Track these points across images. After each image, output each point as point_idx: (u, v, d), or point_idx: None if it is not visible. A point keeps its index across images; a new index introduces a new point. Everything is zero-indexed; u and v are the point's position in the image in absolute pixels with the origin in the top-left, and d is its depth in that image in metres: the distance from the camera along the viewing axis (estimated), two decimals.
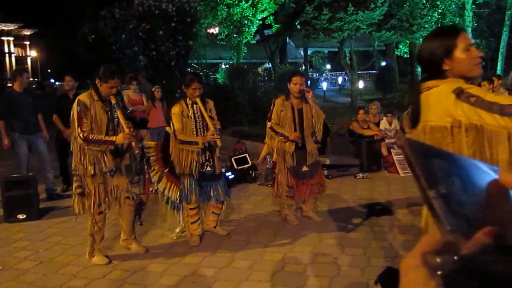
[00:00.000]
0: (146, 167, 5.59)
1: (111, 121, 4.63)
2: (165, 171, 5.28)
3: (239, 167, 8.36)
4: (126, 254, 5.05)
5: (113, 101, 4.56)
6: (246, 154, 8.70)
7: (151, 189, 7.42)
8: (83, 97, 4.57)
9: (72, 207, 4.85)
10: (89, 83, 14.21)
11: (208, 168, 5.29)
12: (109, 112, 4.62)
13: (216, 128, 5.11)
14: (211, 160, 5.30)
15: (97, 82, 4.56)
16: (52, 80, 27.99)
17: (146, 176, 6.31)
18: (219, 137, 5.09)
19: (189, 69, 20.17)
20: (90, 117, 4.50)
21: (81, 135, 4.46)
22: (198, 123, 5.16)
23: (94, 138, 4.46)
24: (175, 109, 5.16)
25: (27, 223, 6.19)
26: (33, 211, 6.38)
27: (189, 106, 5.18)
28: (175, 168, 5.22)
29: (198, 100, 5.10)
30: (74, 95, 7.53)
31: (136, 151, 4.63)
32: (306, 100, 5.73)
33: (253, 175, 8.46)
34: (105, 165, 4.62)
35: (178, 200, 5.29)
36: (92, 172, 4.57)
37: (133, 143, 4.55)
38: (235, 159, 8.41)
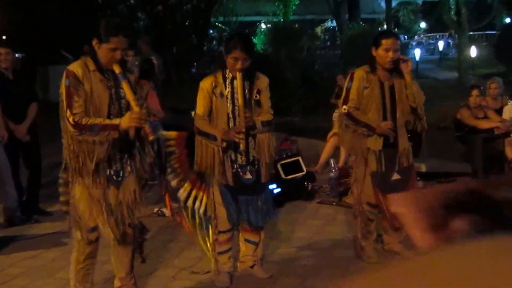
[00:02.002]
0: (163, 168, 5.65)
1: (115, 100, 4.66)
2: (190, 173, 5.35)
3: (288, 177, 8.38)
4: None
5: (117, 70, 4.57)
6: (299, 157, 8.71)
7: (155, 209, 7.54)
8: (74, 66, 4.60)
9: (68, 228, 4.92)
10: (65, 55, 14.44)
11: (248, 175, 5.32)
12: (113, 89, 4.64)
13: (250, 121, 5.12)
14: (256, 163, 5.32)
15: (94, 43, 4.60)
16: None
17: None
18: (243, 137, 5.07)
19: (211, 32, 20.33)
20: (84, 94, 4.53)
21: (70, 119, 4.46)
22: (237, 107, 5.17)
23: (89, 123, 4.45)
24: (205, 83, 5.23)
25: None
26: None
27: (228, 82, 5.21)
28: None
29: (238, 75, 5.12)
30: (15, 73, 7.63)
31: (150, 138, 4.61)
32: (400, 74, 5.71)
33: (309, 188, 8.46)
34: (107, 165, 4.65)
35: (208, 216, 5.34)
36: (84, 178, 4.59)
37: (146, 128, 4.52)
38: (282, 165, 8.42)
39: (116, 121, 4.49)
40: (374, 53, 5.67)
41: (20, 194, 7.71)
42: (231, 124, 5.18)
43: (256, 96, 5.25)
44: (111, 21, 4.72)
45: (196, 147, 5.29)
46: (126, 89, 4.57)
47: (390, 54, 5.57)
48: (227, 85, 5.20)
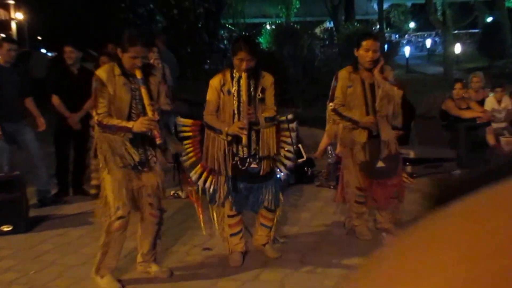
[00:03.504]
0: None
1: (138, 102, 4.81)
2: (202, 157, 5.37)
3: None
4: (141, 278, 5.15)
5: (138, 76, 4.73)
6: (300, 145, 8.69)
7: (172, 192, 7.55)
8: (100, 71, 4.82)
9: (94, 211, 5.10)
10: (91, 53, 14.53)
11: (253, 165, 5.28)
12: (136, 91, 4.80)
13: (253, 117, 5.08)
14: (257, 156, 5.28)
15: (118, 51, 4.77)
16: (44, 50, 28.61)
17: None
18: (245, 132, 5.04)
19: (222, 32, 20.28)
20: (108, 95, 4.71)
21: (95, 118, 4.75)
22: (242, 105, 5.16)
23: (108, 123, 4.67)
24: (214, 81, 5.24)
25: (14, 237, 6.38)
26: (21, 221, 6.56)
27: (235, 80, 5.18)
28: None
29: (243, 74, 5.09)
30: (79, 69, 7.81)
31: (158, 142, 4.73)
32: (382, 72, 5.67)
33: (309, 173, 8.46)
34: (127, 158, 4.78)
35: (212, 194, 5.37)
36: (109, 165, 4.77)
37: (155, 132, 4.67)
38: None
39: (130, 124, 4.67)
40: (356, 53, 5.65)
41: (65, 177, 7.89)
42: (235, 120, 5.15)
43: (259, 95, 5.21)
44: (131, 32, 4.80)
45: (205, 140, 5.30)
46: (143, 94, 4.73)
47: (370, 54, 5.55)
48: (234, 83, 5.17)
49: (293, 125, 5.54)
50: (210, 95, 5.20)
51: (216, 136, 5.19)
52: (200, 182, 5.35)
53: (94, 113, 4.77)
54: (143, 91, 4.71)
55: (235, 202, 5.33)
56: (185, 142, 5.42)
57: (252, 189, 5.37)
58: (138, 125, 4.64)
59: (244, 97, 5.07)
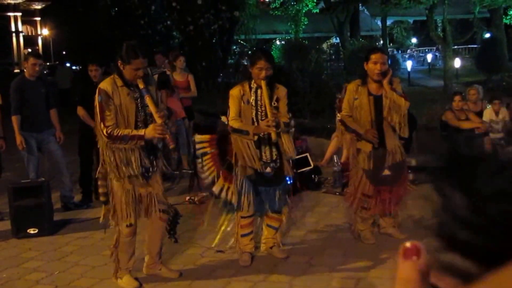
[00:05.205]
0: (198, 166, 5.70)
1: (141, 110, 4.75)
2: (222, 169, 5.40)
3: (298, 170, 8.38)
4: (157, 278, 5.16)
5: (141, 86, 4.67)
6: (307, 154, 8.70)
7: (187, 198, 7.58)
8: (104, 84, 4.69)
9: (102, 218, 5.03)
10: (113, 67, 14.70)
11: (268, 169, 5.33)
12: (138, 100, 4.74)
13: (276, 118, 5.13)
14: (278, 160, 5.35)
15: (119, 64, 4.68)
16: (68, 64, 28.79)
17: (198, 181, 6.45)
18: (274, 128, 5.09)
19: (235, 47, 20.33)
20: (114, 107, 4.62)
21: (104, 131, 4.57)
22: (260, 112, 5.24)
23: (119, 134, 4.56)
24: (234, 91, 5.31)
25: (40, 239, 6.43)
26: (47, 225, 6.62)
27: (252, 90, 5.27)
28: (237, 162, 5.32)
29: (263, 83, 5.16)
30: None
31: (171, 147, 4.74)
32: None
33: (316, 180, 8.45)
34: (137, 166, 4.73)
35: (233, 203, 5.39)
36: (125, 175, 4.71)
37: (167, 137, 4.65)
38: (293, 161, 8.42)
39: (141, 132, 4.59)
40: (365, 67, 5.66)
41: (88, 184, 7.88)
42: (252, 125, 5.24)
43: (274, 103, 5.26)
44: (131, 46, 4.73)
45: (233, 144, 5.31)
46: (149, 103, 4.66)
47: (378, 66, 5.56)
48: (251, 93, 5.26)
49: (292, 122, 5.60)
50: (232, 103, 5.27)
51: (242, 139, 5.22)
52: (223, 195, 5.38)
53: (101, 127, 4.59)
54: (149, 100, 4.65)
55: (250, 203, 5.34)
56: (205, 158, 5.46)
57: (268, 192, 5.42)
58: (151, 132, 4.58)
59: (266, 100, 5.15)
